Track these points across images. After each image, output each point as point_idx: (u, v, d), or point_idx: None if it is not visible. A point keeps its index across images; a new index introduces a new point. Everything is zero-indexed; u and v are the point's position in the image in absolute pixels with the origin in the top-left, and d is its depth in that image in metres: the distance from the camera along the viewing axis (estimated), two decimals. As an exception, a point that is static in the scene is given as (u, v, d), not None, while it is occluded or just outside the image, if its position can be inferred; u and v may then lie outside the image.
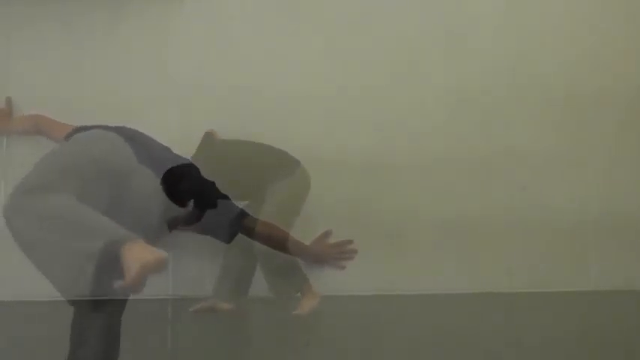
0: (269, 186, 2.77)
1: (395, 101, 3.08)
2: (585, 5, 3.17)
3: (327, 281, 2.77)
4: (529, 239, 2.93)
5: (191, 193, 2.27)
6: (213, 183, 2.36)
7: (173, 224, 2.34)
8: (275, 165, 2.86)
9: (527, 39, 3.13)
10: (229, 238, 2.42)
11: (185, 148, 2.92)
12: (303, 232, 2.73)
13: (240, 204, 2.58)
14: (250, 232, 2.41)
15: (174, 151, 2.66)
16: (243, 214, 2.36)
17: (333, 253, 2.80)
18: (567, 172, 3.04)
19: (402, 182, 3.00)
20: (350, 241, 2.82)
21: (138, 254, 1.78)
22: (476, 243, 2.90)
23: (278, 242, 2.46)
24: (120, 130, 2.30)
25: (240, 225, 2.33)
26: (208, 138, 2.90)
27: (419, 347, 2.53)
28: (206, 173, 2.52)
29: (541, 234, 2.93)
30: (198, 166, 2.55)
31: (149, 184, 2.10)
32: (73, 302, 1.93)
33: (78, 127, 2.42)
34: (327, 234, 2.74)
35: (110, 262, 1.80)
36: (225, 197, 2.38)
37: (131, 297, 2.71)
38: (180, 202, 2.26)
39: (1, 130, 2.79)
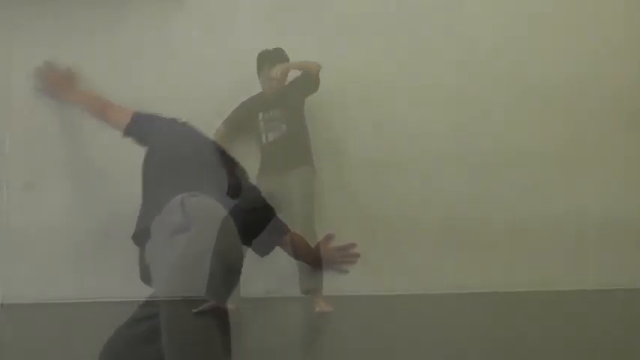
0: (294, 168, 2.94)
1: (396, 102, 3.08)
2: (586, 8, 3.17)
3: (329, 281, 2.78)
4: (529, 238, 2.93)
5: None
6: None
7: None
8: (309, 150, 3.02)
9: (528, 41, 3.14)
10: (266, 253, 2.42)
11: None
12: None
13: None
14: (286, 246, 2.41)
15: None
16: (286, 231, 2.36)
17: (336, 257, 2.78)
18: (568, 172, 3.04)
19: (403, 183, 3.00)
20: (353, 245, 2.79)
21: None
22: (478, 243, 2.90)
23: (304, 254, 2.47)
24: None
25: (282, 241, 2.33)
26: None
27: (420, 346, 2.53)
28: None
29: (542, 233, 2.93)
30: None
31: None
32: None
33: (136, 112, 2.40)
34: (329, 237, 2.72)
35: None
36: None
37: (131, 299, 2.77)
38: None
39: (64, 96, 2.76)
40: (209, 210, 2.00)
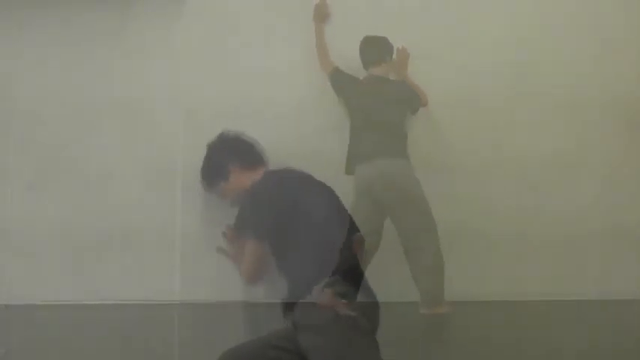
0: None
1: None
2: (587, 11, 3.17)
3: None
4: (531, 247, 2.94)
5: None
6: None
7: None
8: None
9: (530, 43, 3.11)
10: None
11: (187, 150, 2.93)
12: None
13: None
14: None
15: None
16: None
17: None
18: (568, 178, 3.04)
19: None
20: None
21: None
22: (477, 251, 2.91)
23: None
24: None
25: None
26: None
27: (420, 353, 2.56)
28: None
29: (543, 241, 2.94)
30: None
31: None
32: None
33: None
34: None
35: None
36: None
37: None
38: None
39: None
40: None
